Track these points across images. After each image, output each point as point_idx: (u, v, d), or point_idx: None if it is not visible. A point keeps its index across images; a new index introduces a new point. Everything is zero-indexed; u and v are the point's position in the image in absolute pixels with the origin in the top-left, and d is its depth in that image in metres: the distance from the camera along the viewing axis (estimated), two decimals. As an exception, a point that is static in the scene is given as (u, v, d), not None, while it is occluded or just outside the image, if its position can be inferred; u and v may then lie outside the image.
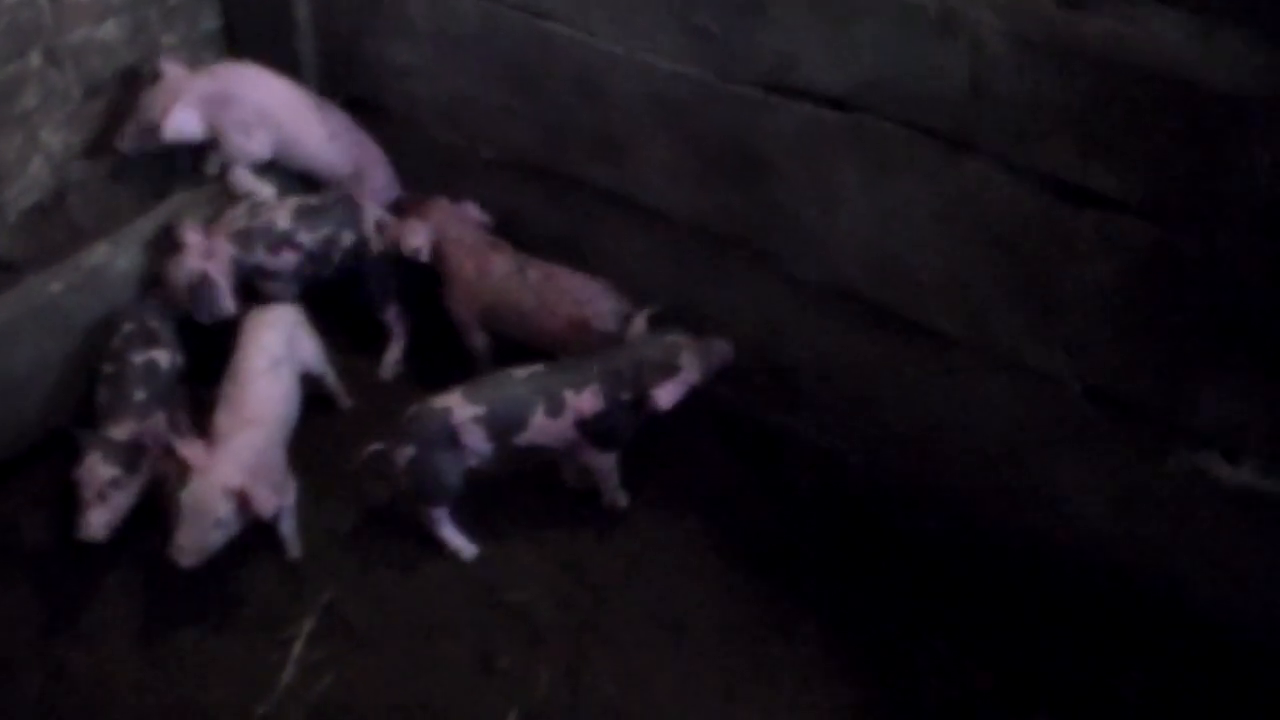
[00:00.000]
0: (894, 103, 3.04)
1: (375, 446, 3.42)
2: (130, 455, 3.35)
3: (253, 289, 3.88)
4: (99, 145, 3.91)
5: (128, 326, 3.65)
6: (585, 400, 3.42)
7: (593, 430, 3.45)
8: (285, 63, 4.08)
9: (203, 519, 3.12)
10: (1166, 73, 2.61)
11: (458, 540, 3.51)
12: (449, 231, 3.90)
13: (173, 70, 3.86)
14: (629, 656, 3.31)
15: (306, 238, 3.88)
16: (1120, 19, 2.65)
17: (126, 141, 3.85)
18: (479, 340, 3.95)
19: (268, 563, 3.46)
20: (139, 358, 3.56)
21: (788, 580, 3.50)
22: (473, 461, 3.41)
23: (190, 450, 3.20)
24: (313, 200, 3.98)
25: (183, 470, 3.18)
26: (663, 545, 3.57)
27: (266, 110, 3.96)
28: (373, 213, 4.00)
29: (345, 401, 3.91)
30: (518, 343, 3.85)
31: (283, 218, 3.88)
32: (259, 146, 3.97)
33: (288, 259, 3.87)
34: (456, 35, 3.81)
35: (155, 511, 3.40)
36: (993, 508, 3.49)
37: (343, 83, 4.21)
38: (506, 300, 3.82)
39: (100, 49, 3.81)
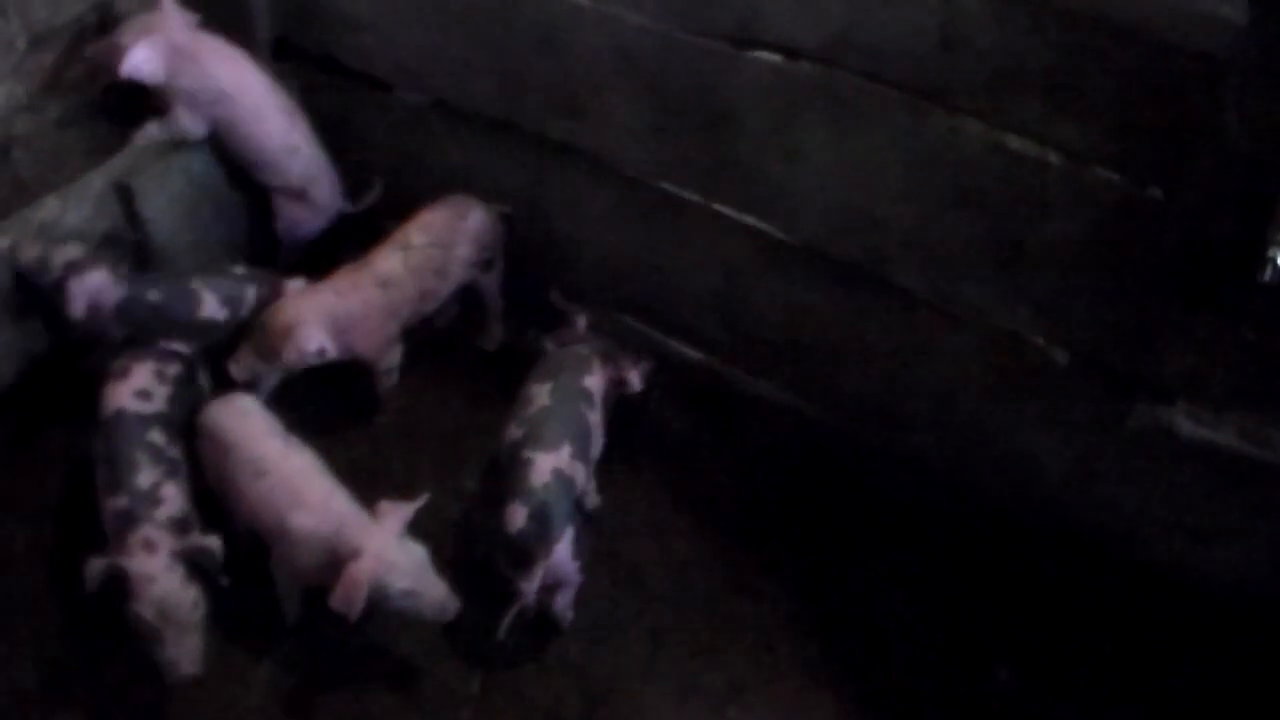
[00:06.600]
0: (862, 56, 3.01)
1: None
2: None
3: None
4: (46, 97, 3.79)
5: None
6: (596, 377, 3.43)
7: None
8: (236, 16, 3.95)
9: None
10: (1141, 30, 2.60)
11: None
12: (326, 297, 3.56)
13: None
14: (592, 615, 3.31)
15: None
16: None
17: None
18: (395, 357, 3.71)
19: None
20: None
21: (750, 538, 3.52)
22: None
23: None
24: None
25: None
26: (624, 504, 3.57)
27: (229, 98, 3.80)
28: None
29: None
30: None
31: None
32: (193, 125, 3.80)
33: None
34: (413, -15, 3.73)
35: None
36: (956, 465, 3.51)
37: (295, 37, 4.11)
38: (426, 273, 3.67)
39: (46, -2, 3.70)
